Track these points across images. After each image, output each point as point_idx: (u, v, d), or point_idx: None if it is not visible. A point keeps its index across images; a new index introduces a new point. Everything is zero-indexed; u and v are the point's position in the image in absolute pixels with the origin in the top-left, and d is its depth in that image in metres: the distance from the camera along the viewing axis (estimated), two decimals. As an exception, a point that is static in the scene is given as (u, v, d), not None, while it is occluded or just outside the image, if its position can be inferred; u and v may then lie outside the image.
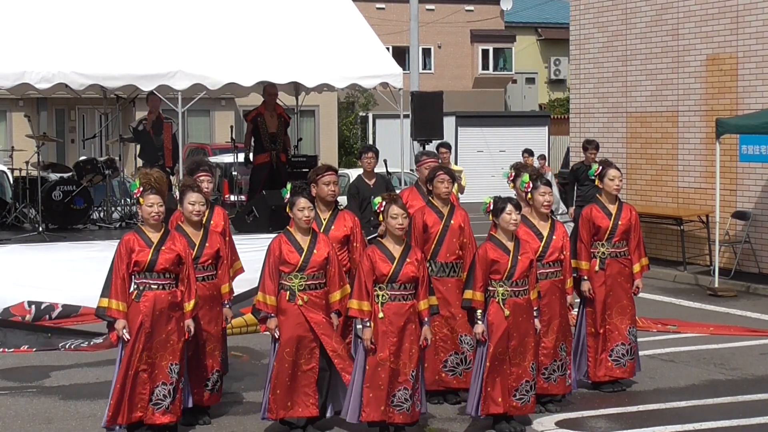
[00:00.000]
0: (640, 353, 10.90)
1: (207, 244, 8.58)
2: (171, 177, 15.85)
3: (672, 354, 11.24)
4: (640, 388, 9.80)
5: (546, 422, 8.67)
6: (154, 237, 8.03)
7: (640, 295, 10.62)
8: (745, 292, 15.23)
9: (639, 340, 11.52)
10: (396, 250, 7.99)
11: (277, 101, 15.88)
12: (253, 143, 15.76)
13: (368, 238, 11.20)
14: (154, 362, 7.97)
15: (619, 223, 9.54)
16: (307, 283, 8.11)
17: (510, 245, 8.32)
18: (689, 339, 12.08)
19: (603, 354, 9.54)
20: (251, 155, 15.76)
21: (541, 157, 24.81)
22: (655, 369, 10.51)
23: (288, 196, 8.24)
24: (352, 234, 8.97)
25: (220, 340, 8.72)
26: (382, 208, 8.01)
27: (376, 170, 12.63)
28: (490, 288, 8.28)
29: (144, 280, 7.99)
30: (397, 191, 12.91)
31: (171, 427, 8.14)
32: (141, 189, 8.04)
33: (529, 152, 22.41)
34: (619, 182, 9.56)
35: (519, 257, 8.29)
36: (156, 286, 7.99)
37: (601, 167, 9.65)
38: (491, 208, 8.38)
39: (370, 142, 37.20)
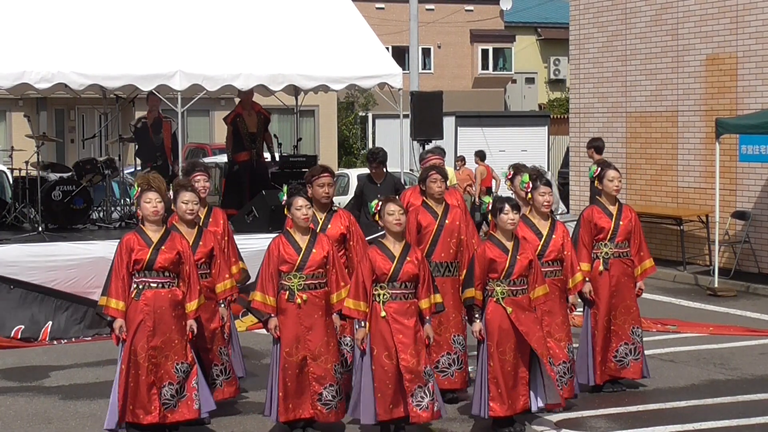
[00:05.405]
0: (641, 353, 10.95)
1: (201, 243, 8.68)
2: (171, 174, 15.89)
3: (672, 354, 11.24)
4: (640, 388, 9.80)
5: (546, 422, 8.67)
6: (154, 236, 8.05)
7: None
8: (744, 292, 15.23)
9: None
10: (396, 249, 8.01)
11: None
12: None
13: (369, 237, 11.24)
14: (159, 363, 7.97)
15: (621, 223, 9.52)
16: (306, 282, 8.11)
17: (509, 245, 8.33)
18: (689, 339, 12.08)
19: (609, 354, 9.50)
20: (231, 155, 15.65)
21: (460, 159, 23.47)
22: (655, 369, 10.49)
23: (285, 198, 8.26)
24: (348, 232, 9.01)
25: (216, 337, 8.76)
26: (378, 209, 8.04)
27: (384, 171, 13.02)
28: (488, 287, 8.30)
29: (143, 279, 8.00)
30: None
31: (173, 427, 8.14)
32: (140, 190, 8.08)
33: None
34: (618, 183, 9.52)
35: (518, 257, 8.30)
36: (155, 285, 8.00)
37: (599, 168, 9.62)
38: (490, 208, 8.40)
39: (370, 142, 37.12)
